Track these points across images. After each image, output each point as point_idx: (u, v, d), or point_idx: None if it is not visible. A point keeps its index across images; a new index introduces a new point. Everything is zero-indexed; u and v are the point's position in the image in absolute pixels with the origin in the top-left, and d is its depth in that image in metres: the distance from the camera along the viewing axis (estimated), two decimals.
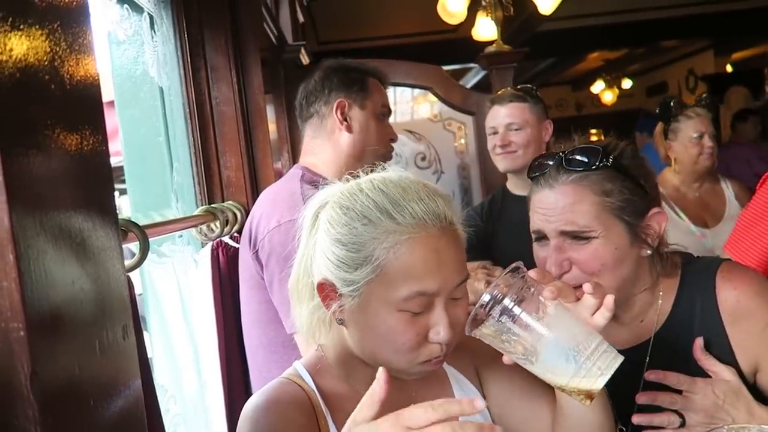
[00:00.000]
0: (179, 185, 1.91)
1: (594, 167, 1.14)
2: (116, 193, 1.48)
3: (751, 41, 8.32)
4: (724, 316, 1.18)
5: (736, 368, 1.17)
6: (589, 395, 0.89)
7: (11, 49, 0.52)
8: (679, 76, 9.81)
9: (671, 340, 1.22)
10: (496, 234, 2.24)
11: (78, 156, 0.63)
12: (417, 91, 3.92)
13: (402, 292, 0.90)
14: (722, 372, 1.16)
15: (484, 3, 4.07)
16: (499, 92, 2.39)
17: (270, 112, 2.31)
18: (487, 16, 4.05)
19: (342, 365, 1.03)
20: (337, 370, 1.03)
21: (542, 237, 1.19)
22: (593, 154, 1.15)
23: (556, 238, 1.15)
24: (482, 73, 5.00)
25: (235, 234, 1.89)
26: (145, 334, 1.32)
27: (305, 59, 3.52)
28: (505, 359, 0.95)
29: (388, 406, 0.75)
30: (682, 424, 1.15)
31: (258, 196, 1.85)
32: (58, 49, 0.60)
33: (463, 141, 3.88)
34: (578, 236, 1.14)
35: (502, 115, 2.25)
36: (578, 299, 0.96)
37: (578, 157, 1.15)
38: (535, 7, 4.03)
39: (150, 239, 1.18)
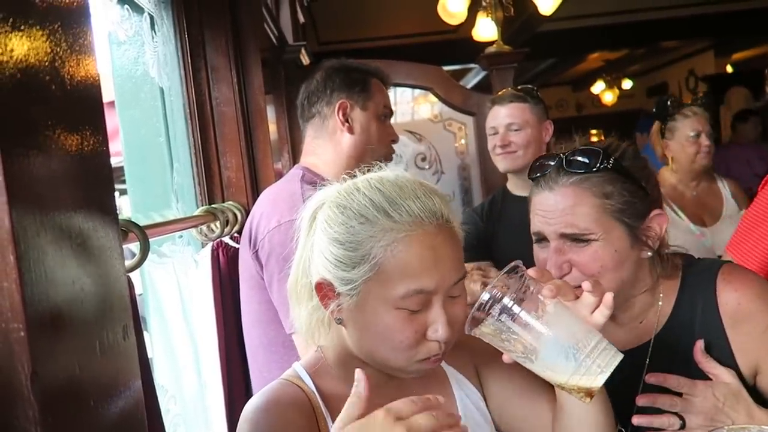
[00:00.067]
0: (179, 185, 1.91)
1: (594, 169, 1.13)
2: (116, 194, 1.49)
3: (751, 42, 8.32)
4: (725, 318, 1.18)
5: (736, 371, 1.17)
6: (589, 393, 0.89)
7: (12, 50, 0.52)
8: (680, 77, 9.81)
9: (672, 341, 1.22)
10: (497, 234, 2.24)
11: (78, 156, 0.63)
12: (417, 91, 3.92)
13: (400, 290, 0.91)
14: (722, 375, 1.15)
15: (484, 3, 4.07)
16: (499, 93, 2.39)
17: (270, 113, 2.31)
18: (488, 16, 4.06)
19: (342, 366, 1.03)
20: (336, 371, 1.03)
21: (542, 239, 1.19)
22: (594, 155, 1.14)
23: (556, 241, 1.15)
24: (482, 74, 5.00)
25: (236, 234, 1.89)
26: (145, 334, 1.32)
27: (306, 60, 3.53)
28: (505, 358, 0.95)
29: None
30: (682, 427, 1.15)
31: (258, 196, 1.85)
32: (58, 49, 0.60)
33: (463, 141, 3.88)
34: (578, 239, 1.14)
35: (502, 116, 2.25)
36: (577, 297, 0.96)
37: (578, 159, 1.15)
38: (535, 7, 4.03)
39: (150, 239, 1.18)
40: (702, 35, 7.70)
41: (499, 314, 0.89)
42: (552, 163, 1.17)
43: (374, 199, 0.93)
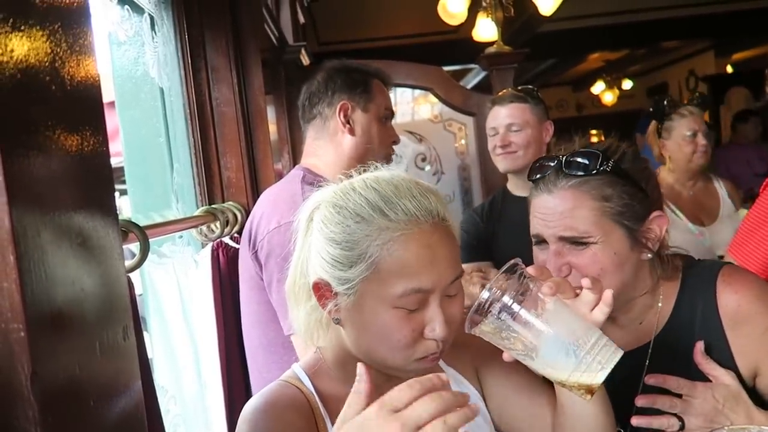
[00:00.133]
0: (179, 186, 1.91)
1: (594, 172, 1.13)
2: (117, 194, 1.48)
3: (751, 42, 8.31)
4: (725, 320, 1.18)
5: (735, 372, 1.17)
6: (590, 390, 0.89)
7: (12, 50, 0.53)
8: (680, 77, 9.81)
9: (672, 343, 1.21)
10: (497, 235, 2.24)
11: (78, 157, 0.63)
12: (418, 91, 3.92)
13: (397, 289, 0.91)
14: (722, 376, 1.15)
15: (484, 4, 4.08)
16: (499, 93, 2.39)
17: (270, 113, 2.31)
18: (488, 16, 4.06)
19: (340, 367, 1.03)
20: (335, 373, 1.03)
21: (542, 241, 1.18)
22: (593, 158, 1.14)
23: (555, 243, 1.15)
24: (483, 74, 5.01)
25: (236, 235, 1.89)
26: (145, 334, 1.32)
27: (306, 60, 3.53)
28: (505, 356, 0.95)
29: None
30: (682, 428, 1.15)
31: (258, 196, 1.85)
32: (58, 50, 0.60)
33: (463, 142, 3.89)
34: (577, 242, 1.13)
35: (502, 116, 2.25)
36: (577, 295, 0.96)
37: (577, 162, 1.14)
38: (535, 7, 4.03)
39: (150, 240, 1.19)
40: (702, 35, 7.70)
41: (499, 312, 0.90)
42: (551, 166, 1.17)
43: (370, 199, 0.94)
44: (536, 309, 0.90)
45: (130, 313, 0.71)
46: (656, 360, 1.22)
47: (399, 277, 0.91)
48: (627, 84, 10.67)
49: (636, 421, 1.16)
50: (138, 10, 1.73)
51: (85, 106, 0.66)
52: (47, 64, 0.58)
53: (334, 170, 1.73)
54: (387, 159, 1.81)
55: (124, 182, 1.90)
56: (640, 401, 1.17)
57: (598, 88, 10.63)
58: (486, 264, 2.12)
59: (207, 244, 1.82)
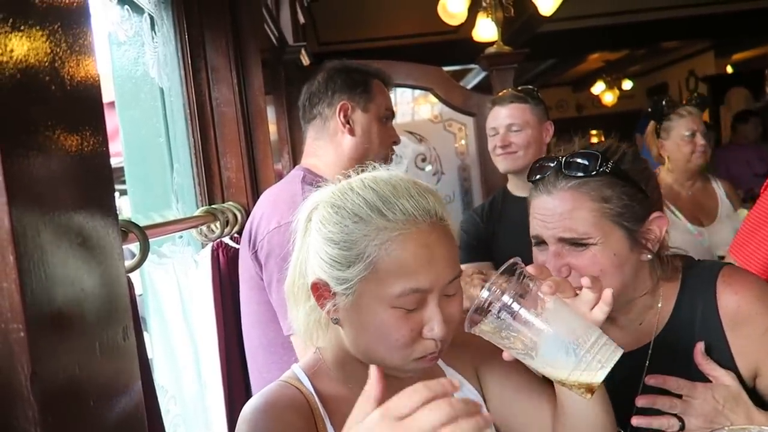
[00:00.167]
0: (179, 186, 1.91)
1: (593, 173, 1.13)
2: (116, 194, 1.48)
3: (751, 42, 8.32)
4: (725, 320, 1.18)
5: (735, 373, 1.17)
6: (590, 389, 0.89)
7: (12, 50, 0.52)
8: (680, 77, 9.81)
9: (672, 343, 1.21)
10: (497, 235, 2.24)
11: (78, 157, 0.63)
12: (418, 92, 3.92)
13: (395, 289, 0.91)
14: (722, 377, 1.15)
15: (484, 4, 4.08)
16: (499, 93, 2.39)
17: (270, 113, 2.31)
18: (488, 17, 4.06)
19: (340, 368, 1.03)
20: (335, 373, 1.03)
21: (541, 242, 1.18)
22: (592, 159, 1.13)
23: (555, 245, 1.15)
24: (483, 74, 5.01)
25: (236, 235, 1.89)
26: (145, 334, 1.33)
27: (306, 60, 3.53)
28: (505, 355, 0.95)
29: None
30: (682, 428, 1.15)
31: (258, 197, 1.85)
32: (58, 50, 0.60)
33: (463, 142, 3.89)
34: (577, 243, 1.13)
35: (502, 116, 2.25)
36: (576, 294, 0.96)
37: (577, 163, 1.14)
38: (535, 8, 4.04)
39: (150, 240, 1.19)
40: (702, 36, 7.70)
41: (499, 311, 0.90)
42: (551, 166, 1.17)
43: (368, 198, 0.94)
44: (536, 308, 0.91)
45: (130, 314, 0.71)
46: (656, 360, 1.22)
47: (397, 276, 0.91)
48: (627, 84, 10.68)
49: (636, 421, 1.16)
50: (138, 10, 1.73)
51: (85, 106, 0.66)
52: (47, 64, 0.58)
53: (334, 170, 1.73)
54: (387, 160, 1.81)
55: (124, 182, 1.90)
56: (640, 401, 1.17)
57: (598, 88, 10.63)
58: (486, 265, 2.12)
59: (207, 244, 1.82)
